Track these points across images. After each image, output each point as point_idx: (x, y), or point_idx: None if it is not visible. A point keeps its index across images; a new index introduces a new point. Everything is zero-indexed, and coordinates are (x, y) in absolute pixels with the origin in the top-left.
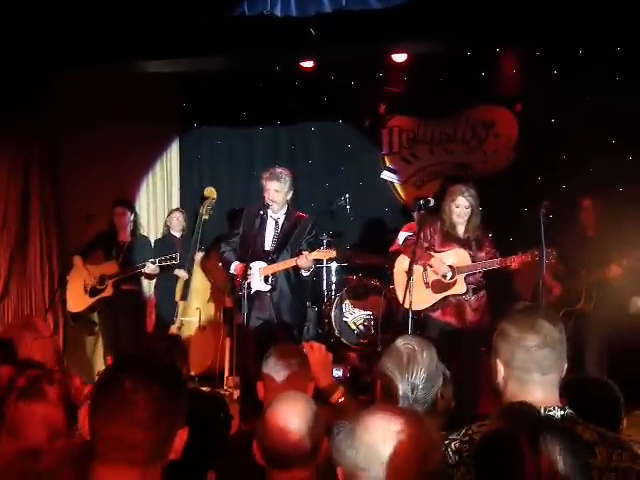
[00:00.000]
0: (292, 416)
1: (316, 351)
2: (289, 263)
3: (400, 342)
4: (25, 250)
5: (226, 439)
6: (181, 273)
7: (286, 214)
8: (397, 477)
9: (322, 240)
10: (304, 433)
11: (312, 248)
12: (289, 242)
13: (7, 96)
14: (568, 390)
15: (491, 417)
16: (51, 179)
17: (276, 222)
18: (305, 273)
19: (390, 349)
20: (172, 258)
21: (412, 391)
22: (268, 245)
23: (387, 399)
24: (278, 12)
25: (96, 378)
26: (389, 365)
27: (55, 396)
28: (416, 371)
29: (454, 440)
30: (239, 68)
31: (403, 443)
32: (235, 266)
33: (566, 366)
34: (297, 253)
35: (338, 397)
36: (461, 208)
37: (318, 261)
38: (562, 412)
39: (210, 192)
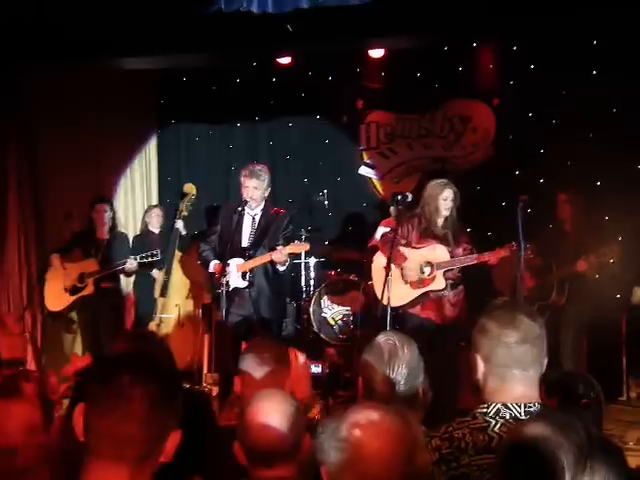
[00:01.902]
0: (273, 413)
1: (293, 361)
2: (265, 258)
3: (381, 338)
4: (3, 248)
5: (211, 438)
6: (158, 274)
7: (263, 210)
8: (382, 476)
9: (300, 235)
10: (286, 429)
11: (288, 243)
12: (266, 238)
13: None
14: (554, 387)
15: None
16: (29, 177)
17: (253, 218)
18: (281, 268)
19: (371, 345)
20: (153, 255)
21: (393, 387)
22: (245, 241)
23: (368, 395)
24: (255, 8)
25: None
26: (370, 361)
27: (32, 393)
28: (397, 367)
29: (434, 437)
30: (217, 64)
31: (387, 441)
32: (214, 265)
33: (546, 362)
34: (273, 248)
35: (315, 414)
36: (448, 201)
37: (295, 256)
38: (541, 409)
39: (190, 188)
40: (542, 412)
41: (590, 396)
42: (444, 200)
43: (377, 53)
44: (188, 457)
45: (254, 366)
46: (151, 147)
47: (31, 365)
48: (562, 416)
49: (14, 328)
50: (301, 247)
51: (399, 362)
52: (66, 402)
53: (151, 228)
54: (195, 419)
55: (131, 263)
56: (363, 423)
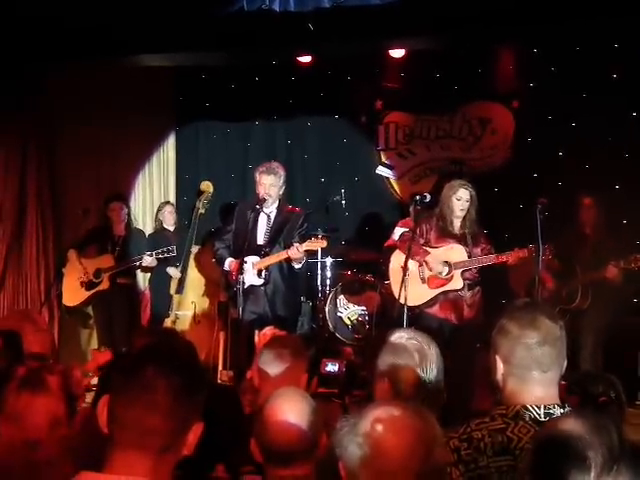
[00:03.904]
0: (291, 412)
1: None
2: (281, 255)
3: (402, 338)
4: (21, 243)
5: (238, 435)
6: (173, 271)
7: (277, 208)
8: (400, 472)
9: (317, 235)
10: (304, 428)
11: (304, 241)
12: (281, 236)
13: (3, 90)
14: (574, 385)
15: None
16: (48, 173)
17: (268, 216)
18: (297, 265)
19: (395, 347)
20: (169, 250)
21: (423, 387)
22: (260, 239)
23: (396, 398)
24: (277, 7)
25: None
26: (400, 364)
27: (56, 386)
28: (428, 367)
29: (452, 438)
30: (237, 62)
31: (406, 438)
32: (229, 262)
33: (565, 363)
34: (289, 245)
35: None
36: (462, 201)
37: (311, 253)
38: (562, 410)
39: (206, 186)
40: (577, 411)
41: (610, 395)
42: (457, 200)
43: (397, 53)
44: (211, 450)
45: (272, 362)
46: (169, 145)
47: (52, 360)
48: (597, 417)
49: (43, 324)
50: (318, 243)
51: (429, 362)
52: (90, 396)
53: (166, 225)
54: (220, 413)
55: (146, 259)
56: (385, 419)
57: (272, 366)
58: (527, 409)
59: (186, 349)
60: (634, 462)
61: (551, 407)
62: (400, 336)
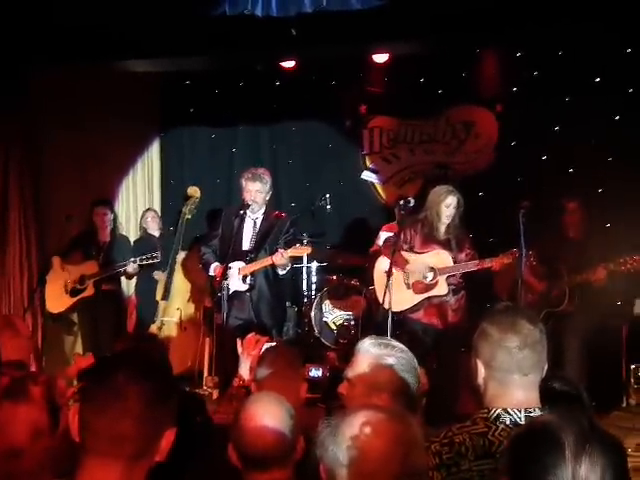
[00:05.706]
0: (267, 416)
1: None
2: (265, 261)
3: (383, 346)
4: (4, 250)
5: (205, 440)
6: (159, 275)
7: (264, 214)
8: (380, 475)
9: (302, 240)
10: (280, 433)
11: (289, 246)
12: (267, 241)
13: None
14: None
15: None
16: (31, 178)
17: (254, 222)
18: (282, 271)
19: (379, 356)
20: (153, 257)
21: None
22: (246, 245)
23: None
24: (259, 12)
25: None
26: (408, 378)
27: (39, 397)
28: (414, 372)
29: (434, 442)
30: (220, 67)
31: (387, 441)
32: (214, 267)
33: (546, 367)
34: (274, 251)
35: None
36: (450, 208)
37: (296, 259)
38: (542, 413)
39: (194, 191)
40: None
41: (569, 393)
42: (446, 207)
43: (381, 58)
44: (181, 457)
45: (269, 374)
46: (154, 150)
47: (32, 367)
48: (567, 410)
49: (25, 331)
50: (303, 250)
51: (414, 368)
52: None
53: (150, 231)
54: (188, 420)
55: (132, 266)
56: (372, 422)
57: (270, 378)
58: (508, 412)
59: (157, 355)
60: (605, 447)
61: (532, 410)
62: (379, 343)
